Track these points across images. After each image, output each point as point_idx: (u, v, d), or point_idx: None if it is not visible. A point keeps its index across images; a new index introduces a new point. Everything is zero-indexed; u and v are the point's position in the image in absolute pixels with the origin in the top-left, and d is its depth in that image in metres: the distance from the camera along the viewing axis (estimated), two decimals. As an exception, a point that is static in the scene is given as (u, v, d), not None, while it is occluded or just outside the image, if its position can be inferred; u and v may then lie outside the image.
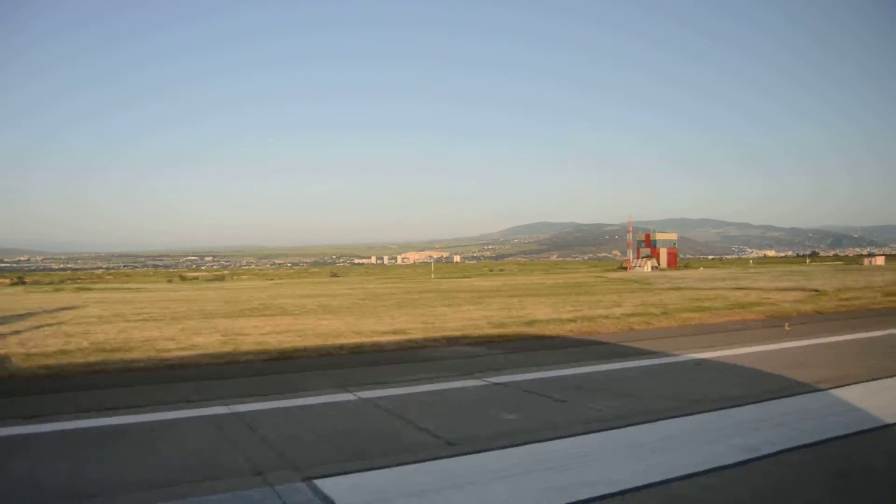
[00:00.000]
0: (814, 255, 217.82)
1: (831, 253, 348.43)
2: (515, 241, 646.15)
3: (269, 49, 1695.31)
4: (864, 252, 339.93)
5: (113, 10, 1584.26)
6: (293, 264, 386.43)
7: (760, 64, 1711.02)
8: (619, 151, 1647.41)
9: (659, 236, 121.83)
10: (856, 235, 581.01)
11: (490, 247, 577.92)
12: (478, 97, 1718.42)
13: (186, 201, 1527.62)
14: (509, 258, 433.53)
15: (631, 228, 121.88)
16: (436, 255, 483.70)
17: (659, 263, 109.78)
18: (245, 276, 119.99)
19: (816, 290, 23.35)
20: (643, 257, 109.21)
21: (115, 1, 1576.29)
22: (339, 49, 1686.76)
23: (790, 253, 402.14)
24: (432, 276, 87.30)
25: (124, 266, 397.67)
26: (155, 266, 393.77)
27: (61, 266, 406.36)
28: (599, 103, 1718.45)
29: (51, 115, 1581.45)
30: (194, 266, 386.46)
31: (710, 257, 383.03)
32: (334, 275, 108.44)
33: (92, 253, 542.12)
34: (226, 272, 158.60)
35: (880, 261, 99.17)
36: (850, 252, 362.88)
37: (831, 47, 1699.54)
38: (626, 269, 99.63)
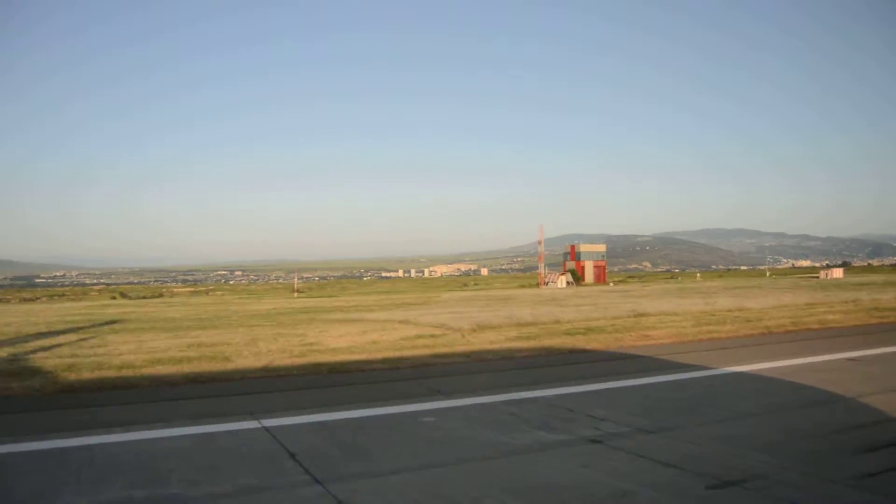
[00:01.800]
0: (845, 265, 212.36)
1: (865, 263, 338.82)
2: (546, 252, 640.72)
3: (288, 54, 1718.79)
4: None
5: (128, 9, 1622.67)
6: (320, 278, 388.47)
7: (798, 70, 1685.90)
8: (654, 161, 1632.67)
9: (584, 248, 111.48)
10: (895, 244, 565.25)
11: (520, 259, 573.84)
12: (518, 101, 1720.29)
13: (228, 217, 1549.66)
14: (537, 270, 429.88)
15: (542, 240, 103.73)
16: (464, 267, 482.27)
17: (582, 278, 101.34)
18: (220, 292, 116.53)
19: (533, 324, 19.16)
20: (568, 271, 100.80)
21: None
22: (361, 54, 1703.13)
23: (826, 262, 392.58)
24: (295, 294, 78.59)
25: (155, 281, 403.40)
26: (185, 280, 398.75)
27: (94, 281, 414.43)
28: (633, 110, 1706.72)
29: (102, 133, 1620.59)
30: (223, 280, 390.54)
31: (744, 267, 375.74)
32: (297, 291, 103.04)
33: (126, 268, 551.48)
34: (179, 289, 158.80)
35: (838, 273, 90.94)
36: (888, 261, 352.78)
37: (867, 53, 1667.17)
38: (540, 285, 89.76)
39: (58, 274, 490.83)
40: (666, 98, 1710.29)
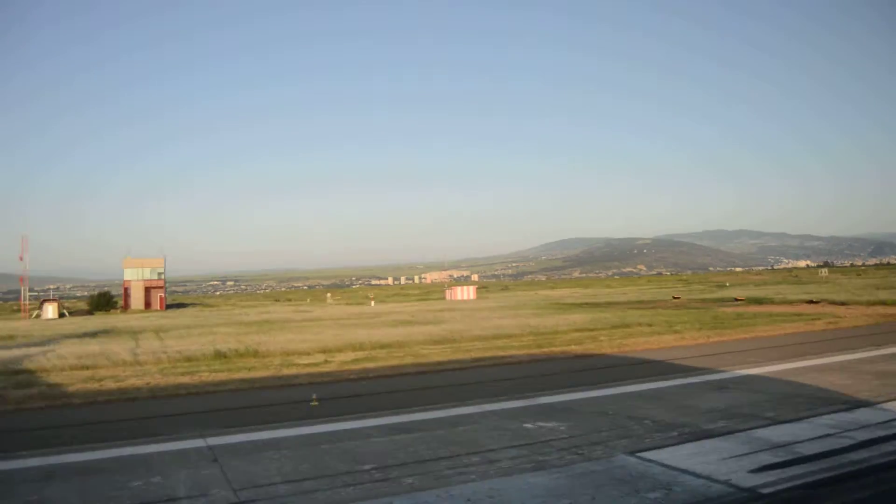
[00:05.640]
0: (826, 265, 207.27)
1: (848, 263, 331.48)
2: (543, 257, 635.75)
3: (285, 63, 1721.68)
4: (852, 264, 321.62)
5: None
6: (309, 287, 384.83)
7: (799, 70, 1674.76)
8: (657, 164, 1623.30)
9: (130, 263, 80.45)
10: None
11: (515, 264, 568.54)
12: (521, 109, 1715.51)
13: (227, 228, 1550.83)
14: (529, 276, 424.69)
15: (23, 255, 68.38)
16: (457, 273, 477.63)
17: (124, 305, 76.54)
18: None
19: None
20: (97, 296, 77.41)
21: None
22: (358, 63, 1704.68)
23: (824, 261, 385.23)
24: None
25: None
26: (175, 291, 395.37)
27: (85, 294, 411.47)
28: (633, 112, 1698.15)
29: (108, 145, 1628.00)
30: (210, 291, 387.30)
31: (738, 269, 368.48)
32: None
33: (120, 281, 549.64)
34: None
35: (471, 293, 76.64)
36: (887, 260, 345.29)
37: (869, 52, 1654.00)
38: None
39: (51, 286, 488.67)
40: (668, 101, 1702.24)
